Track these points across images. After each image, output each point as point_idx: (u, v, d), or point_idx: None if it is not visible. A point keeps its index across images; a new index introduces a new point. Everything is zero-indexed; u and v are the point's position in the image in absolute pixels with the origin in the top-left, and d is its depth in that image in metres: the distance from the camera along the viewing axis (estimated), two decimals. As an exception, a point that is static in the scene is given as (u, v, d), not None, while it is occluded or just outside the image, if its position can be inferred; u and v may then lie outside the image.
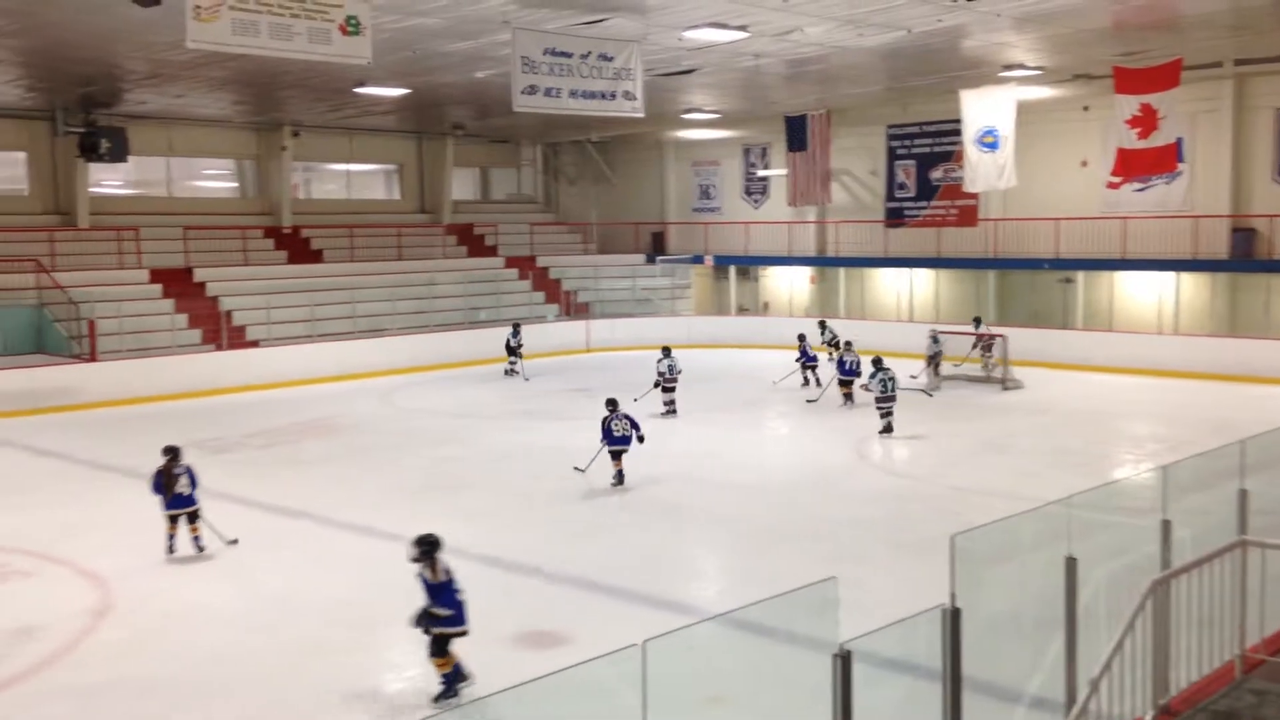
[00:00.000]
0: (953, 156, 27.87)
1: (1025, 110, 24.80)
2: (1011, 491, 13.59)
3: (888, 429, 18.05)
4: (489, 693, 3.96)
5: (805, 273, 32.92)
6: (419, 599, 10.64)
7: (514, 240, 34.87)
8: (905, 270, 30.27)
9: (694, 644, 5.19)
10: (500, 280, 32.42)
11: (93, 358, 23.08)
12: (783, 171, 31.43)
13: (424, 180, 34.61)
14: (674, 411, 19.98)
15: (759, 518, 13.32)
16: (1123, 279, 26.63)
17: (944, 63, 21.86)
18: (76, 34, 17.71)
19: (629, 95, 18.27)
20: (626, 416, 14.83)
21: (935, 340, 23.22)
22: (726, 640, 5.81)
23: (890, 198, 30.01)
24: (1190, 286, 25.63)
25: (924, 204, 29.24)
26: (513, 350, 25.95)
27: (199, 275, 27.59)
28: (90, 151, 25.61)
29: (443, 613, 8.20)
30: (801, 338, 23.39)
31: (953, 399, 21.63)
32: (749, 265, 33.87)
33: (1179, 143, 23.20)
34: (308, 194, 34.14)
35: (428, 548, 8.32)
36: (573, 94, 17.56)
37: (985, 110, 24.90)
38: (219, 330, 25.52)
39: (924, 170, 29.22)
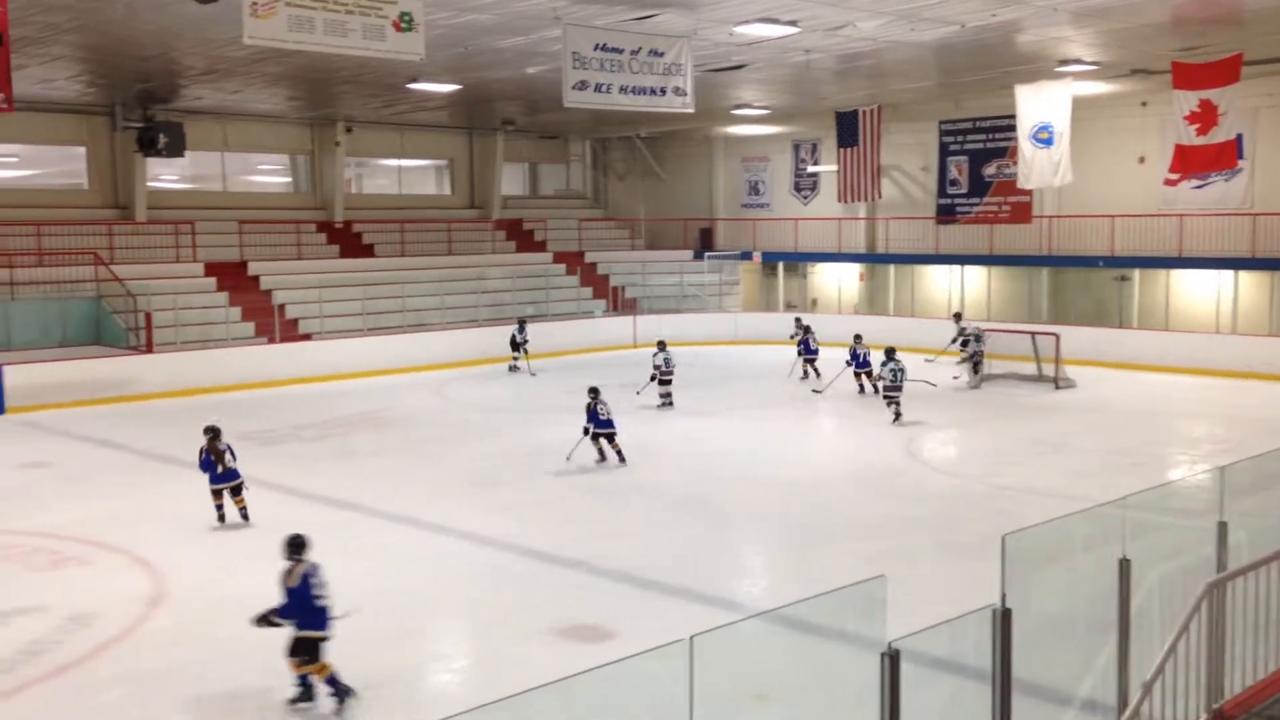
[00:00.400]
0: (1006, 152, 27.54)
1: (1081, 106, 24.44)
2: (1063, 491, 13.41)
3: (897, 417, 18.56)
4: (533, 686, 3.97)
5: (854, 270, 32.70)
6: (466, 591, 10.72)
7: (562, 236, 34.99)
8: (956, 268, 29.98)
9: (740, 640, 5.18)
10: (549, 275, 32.54)
11: (149, 349, 23.50)
12: (833, 167, 31.24)
13: (474, 175, 34.82)
14: (670, 403, 20.43)
15: (803, 515, 13.26)
16: (1179, 277, 26.17)
17: (998, 58, 21.59)
18: (136, 30, 18.02)
19: (679, 91, 18.26)
20: (606, 403, 15.75)
21: (978, 339, 23.05)
22: (772, 637, 5.79)
23: (942, 194, 29.71)
24: (1249, 285, 25.13)
25: (976, 200, 28.93)
26: (517, 346, 25.89)
27: (253, 269, 27.97)
28: (148, 146, 26.07)
29: (277, 621, 8.03)
30: (807, 329, 24.07)
31: (1004, 398, 21.39)
32: (798, 262, 33.71)
33: (1239, 139, 22.78)
34: (359, 189, 34.52)
35: (292, 549, 8.22)
36: (623, 90, 17.58)
37: (1040, 106, 24.57)
38: (272, 323, 25.85)
39: (977, 166, 28.90)
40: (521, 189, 37.66)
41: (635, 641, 8.58)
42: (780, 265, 33.76)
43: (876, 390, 20.66)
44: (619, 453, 15.74)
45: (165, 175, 29.88)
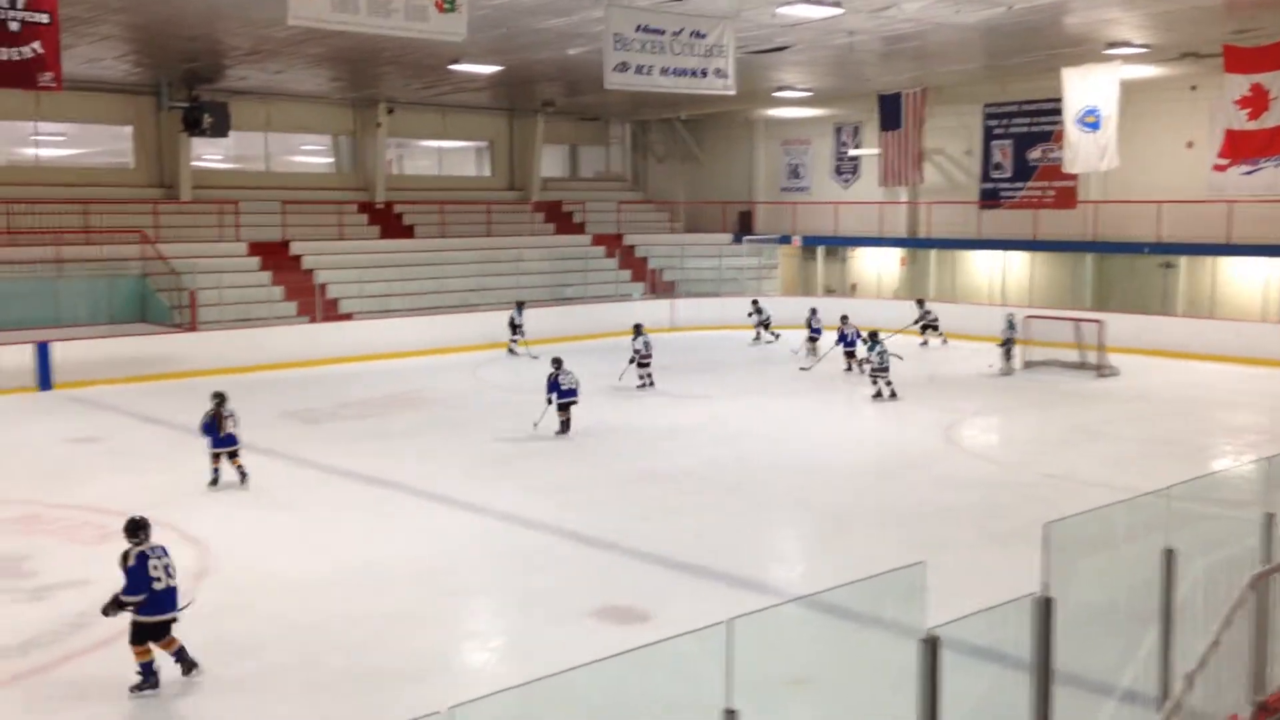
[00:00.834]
0: (1052, 136, 27.17)
1: (1129, 89, 24.06)
2: (1105, 480, 13.27)
3: (878, 395, 19.57)
4: (570, 666, 3.99)
5: (895, 254, 32.46)
6: (501, 570, 10.80)
7: (601, 218, 34.98)
8: (999, 253, 29.67)
9: (778, 624, 5.17)
10: (587, 258, 32.57)
11: (193, 327, 23.79)
12: (874, 151, 30.98)
13: (513, 157, 34.87)
14: (651, 384, 20.88)
15: (838, 499, 13.22)
16: (1227, 264, 25.76)
17: (1045, 40, 21.30)
18: (182, 10, 18.20)
19: (720, 73, 18.17)
20: (571, 372, 16.67)
21: (1011, 325, 22.90)
22: (810, 622, 5.78)
23: (985, 178, 29.37)
24: (1300, 274, 24.69)
25: (1020, 185, 28.56)
26: (516, 328, 25.84)
27: (295, 249, 28.20)
28: (193, 126, 26.36)
29: (128, 599, 7.96)
30: (813, 311, 25.29)
31: (1046, 385, 21.19)
32: (837, 246, 33.50)
33: (1292, 124, 22.31)
34: (400, 170, 34.68)
35: (128, 531, 8.16)
36: (664, 71, 17.53)
37: (1087, 89, 24.22)
38: (313, 303, 26.08)
39: (1021, 150, 28.53)
40: (561, 171, 37.68)
41: (670, 624, 8.62)
42: (820, 249, 33.57)
43: (861, 370, 21.52)
44: (564, 421, 16.57)
45: (210, 155, 30.17)
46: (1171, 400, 19.61)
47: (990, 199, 29.25)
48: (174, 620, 8.13)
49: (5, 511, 11.89)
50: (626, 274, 32.63)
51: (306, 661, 8.57)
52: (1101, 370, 22.07)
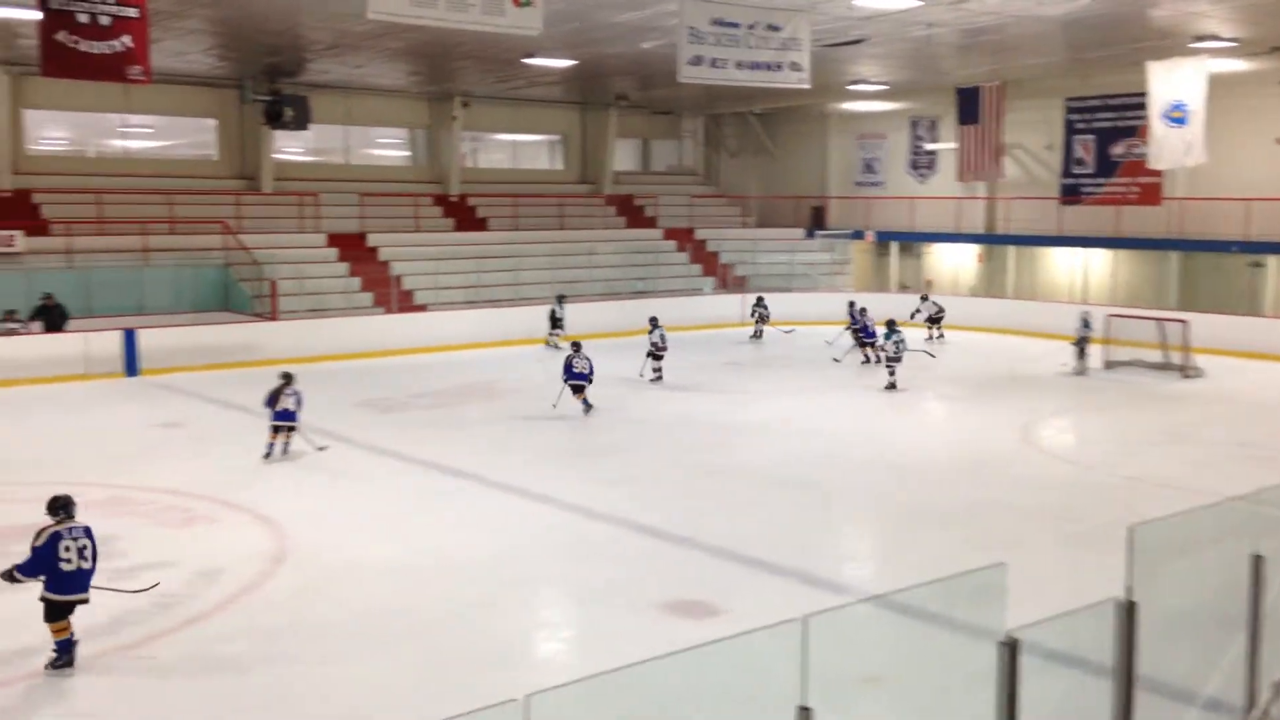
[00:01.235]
0: (1136, 131, 26.51)
1: (1216, 84, 23.38)
2: (1189, 484, 12.95)
3: (891, 386, 19.67)
4: (643, 659, 3.99)
5: (972, 250, 31.96)
6: (572, 561, 10.88)
7: (673, 212, 34.95)
8: (1080, 250, 29.07)
9: (852, 622, 5.13)
10: (659, 251, 32.58)
11: (273, 317, 24.26)
12: (952, 145, 30.53)
13: (586, 151, 34.99)
14: (660, 377, 20.94)
15: (911, 498, 13.07)
16: (1319, 264, 24.99)
17: (1129, 33, 20.80)
18: (265, 5, 18.56)
19: (795, 66, 18.04)
20: (588, 358, 17.47)
21: (1086, 324, 22.45)
22: (884, 621, 5.73)
23: (1066, 174, 28.77)
24: (1396, 274, 23.86)
25: (1103, 181, 27.93)
26: (557, 322, 25.77)
27: (372, 240, 28.63)
28: (275, 119, 26.86)
29: (21, 576, 8.01)
30: (863, 311, 24.35)
31: (1127, 385, 20.74)
32: (912, 242, 33.09)
33: (1389, 119, 21.57)
34: (475, 163, 34.99)
35: (50, 508, 8.19)
36: (739, 65, 17.45)
37: (1174, 84, 23.59)
38: (389, 294, 26.44)
39: (1104, 145, 27.89)
40: (633, 165, 37.71)
41: (740, 619, 8.61)
42: (894, 245, 33.18)
43: (879, 360, 21.57)
44: (584, 401, 17.44)
45: (290, 147, 30.73)
46: (1258, 403, 19.08)
47: (1071, 195, 28.64)
48: (83, 601, 8.18)
49: (96, 494, 12.24)
50: (698, 268, 32.58)
51: (381, 646, 8.70)
52: (1186, 371, 21.53)
